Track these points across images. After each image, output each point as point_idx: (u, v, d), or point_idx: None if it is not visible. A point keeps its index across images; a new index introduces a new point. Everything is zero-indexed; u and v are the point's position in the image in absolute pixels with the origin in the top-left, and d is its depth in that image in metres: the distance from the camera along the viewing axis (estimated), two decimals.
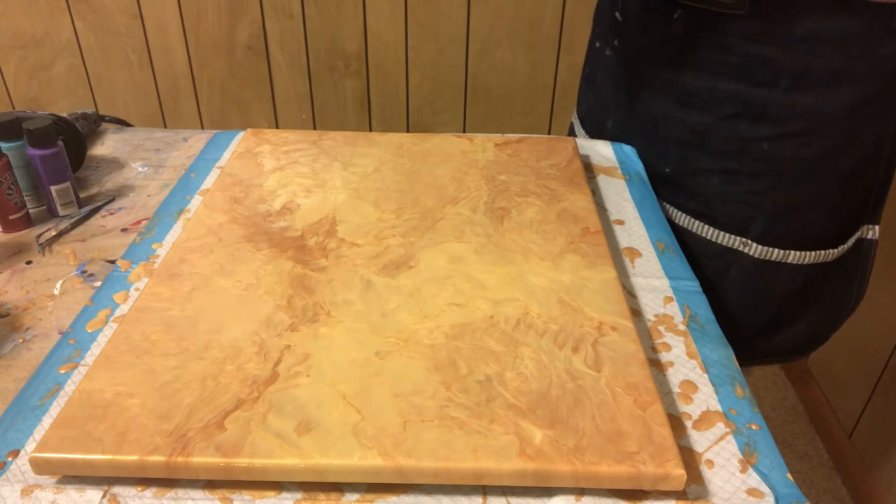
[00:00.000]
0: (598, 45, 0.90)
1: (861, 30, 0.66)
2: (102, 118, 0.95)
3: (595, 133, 0.94)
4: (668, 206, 0.83)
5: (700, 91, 0.75)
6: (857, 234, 0.80)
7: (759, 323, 0.83)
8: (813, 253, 0.78)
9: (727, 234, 0.79)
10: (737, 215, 0.78)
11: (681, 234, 0.81)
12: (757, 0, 0.67)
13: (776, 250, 0.77)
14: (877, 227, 0.81)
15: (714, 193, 0.78)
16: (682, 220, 0.82)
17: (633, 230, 0.73)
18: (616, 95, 0.88)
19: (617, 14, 0.84)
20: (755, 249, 0.78)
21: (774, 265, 0.78)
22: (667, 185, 0.82)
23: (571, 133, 1.01)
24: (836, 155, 0.72)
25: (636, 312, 0.62)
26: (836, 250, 0.78)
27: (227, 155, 0.85)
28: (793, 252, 0.77)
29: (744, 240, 0.78)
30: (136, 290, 0.63)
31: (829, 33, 0.66)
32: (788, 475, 0.48)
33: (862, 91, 0.68)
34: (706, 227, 0.80)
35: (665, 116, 0.80)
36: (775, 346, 0.85)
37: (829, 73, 0.68)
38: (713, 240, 0.80)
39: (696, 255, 0.80)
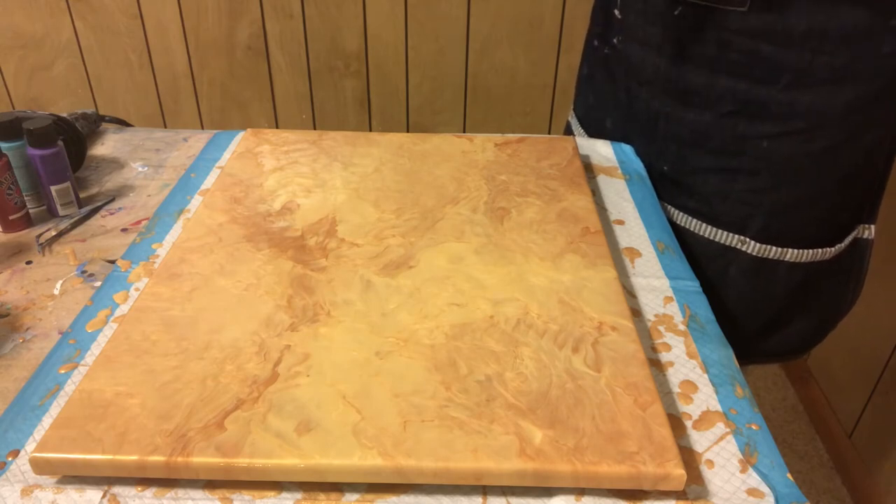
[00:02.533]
0: (596, 43, 0.90)
1: (862, 28, 0.66)
2: (102, 118, 0.95)
3: (594, 132, 0.94)
4: (666, 204, 0.83)
5: (699, 88, 0.75)
6: (854, 233, 0.80)
7: (758, 322, 0.83)
8: (810, 251, 0.78)
9: (726, 233, 0.79)
10: (735, 213, 0.78)
11: (680, 233, 0.81)
12: None
13: (774, 248, 0.77)
14: (873, 227, 0.81)
15: (713, 192, 0.78)
16: (681, 218, 0.82)
17: (633, 230, 0.73)
18: (615, 94, 0.88)
19: (616, 12, 0.84)
20: (753, 247, 0.78)
21: (772, 263, 0.78)
22: (666, 183, 0.83)
23: (568, 133, 1.01)
24: (836, 154, 0.72)
25: (636, 312, 0.62)
26: (833, 249, 0.78)
27: (227, 155, 0.85)
28: (790, 250, 0.77)
29: (742, 238, 0.78)
30: (136, 290, 0.63)
31: (831, 30, 0.66)
32: (788, 475, 0.48)
33: (862, 90, 0.68)
34: (705, 225, 0.80)
35: (664, 114, 0.80)
36: (773, 346, 0.85)
37: (831, 72, 0.68)
38: (712, 238, 0.80)
39: (695, 254, 0.80)
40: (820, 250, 0.78)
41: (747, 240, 0.78)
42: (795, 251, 0.77)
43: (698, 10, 0.72)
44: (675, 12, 0.74)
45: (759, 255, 0.78)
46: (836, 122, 0.70)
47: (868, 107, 0.70)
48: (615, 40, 0.85)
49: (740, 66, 0.71)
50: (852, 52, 0.67)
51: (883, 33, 0.66)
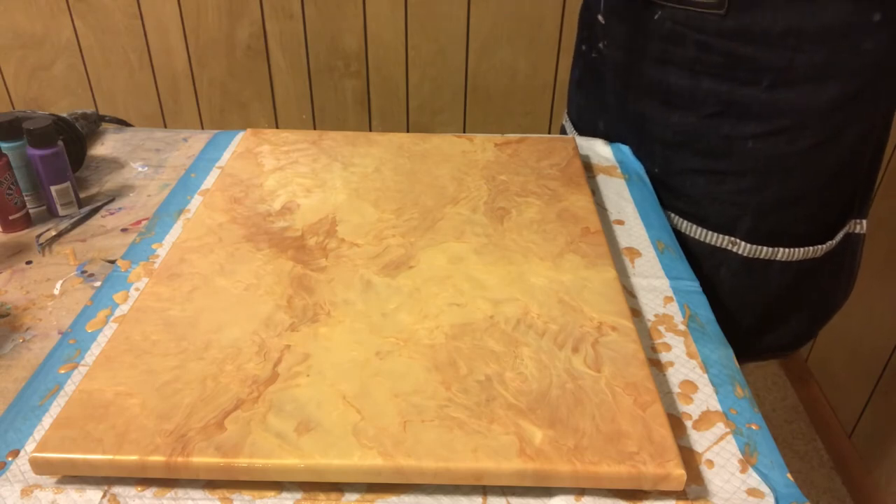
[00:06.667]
0: (583, 48, 0.90)
1: (841, 25, 0.66)
2: (102, 118, 0.95)
3: (586, 135, 0.94)
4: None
5: (683, 91, 0.75)
6: (845, 229, 0.80)
7: (750, 321, 0.83)
8: (801, 250, 0.78)
9: (716, 234, 0.79)
10: (724, 214, 0.78)
11: None
12: None
13: (764, 248, 0.77)
14: (864, 222, 0.81)
15: (701, 193, 0.78)
16: (673, 220, 0.82)
17: (633, 230, 0.73)
18: (604, 97, 0.88)
19: (600, 17, 0.84)
20: (743, 248, 0.78)
21: (763, 263, 0.78)
22: (656, 185, 0.83)
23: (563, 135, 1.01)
24: (822, 151, 0.72)
25: (636, 312, 0.62)
26: (823, 246, 0.78)
27: (227, 155, 0.85)
28: (781, 249, 0.77)
29: (732, 239, 0.78)
30: (136, 290, 0.63)
31: (810, 29, 0.66)
32: (788, 475, 0.48)
33: (846, 86, 0.68)
34: (695, 227, 0.80)
35: (651, 117, 0.80)
36: (767, 344, 0.86)
37: (812, 70, 0.68)
38: (702, 240, 0.80)
39: (687, 254, 0.80)
40: (811, 248, 0.78)
41: (737, 241, 0.78)
42: (786, 250, 0.77)
43: (677, 14, 0.72)
44: (655, 17, 0.74)
45: (750, 256, 0.78)
46: (820, 119, 0.70)
47: (851, 103, 0.70)
48: (601, 45, 0.85)
49: (721, 67, 0.71)
50: (833, 49, 0.67)
51: (864, 29, 0.66)
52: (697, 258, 0.80)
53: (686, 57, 0.73)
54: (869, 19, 0.65)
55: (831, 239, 0.79)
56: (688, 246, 0.81)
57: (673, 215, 0.82)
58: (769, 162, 0.73)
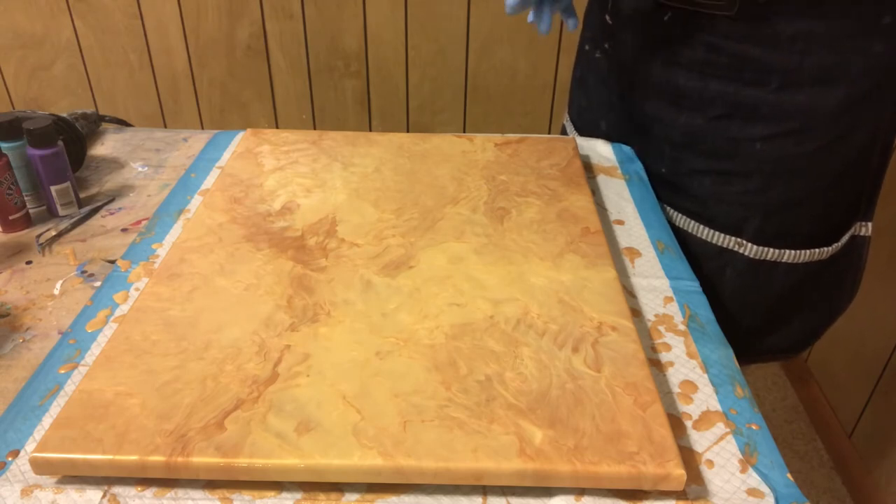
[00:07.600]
0: (587, 48, 0.90)
1: (850, 28, 0.66)
2: (102, 118, 0.95)
3: (588, 135, 0.94)
4: (665, 205, 0.84)
5: (691, 92, 0.75)
6: (851, 231, 0.80)
7: (754, 322, 0.83)
8: (807, 252, 0.78)
9: (722, 235, 0.79)
10: (731, 215, 0.78)
11: (678, 234, 0.81)
12: (746, 0, 0.67)
13: (771, 250, 0.77)
14: (870, 224, 0.81)
15: (708, 194, 0.78)
16: (679, 220, 0.82)
17: (633, 230, 0.73)
18: (608, 97, 0.88)
19: (607, 17, 0.84)
20: (750, 249, 0.78)
21: (769, 265, 0.78)
22: (662, 185, 0.83)
23: (563, 135, 1.01)
24: (829, 153, 0.72)
25: (636, 312, 0.62)
26: (829, 248, 0.78)
27: (227, 155, 0.85)
28: (787, 251, 0.77)
29: (738, 240, 0.78)
30: (136, 290, 0.63)
31: (820, 33, 0.66)
32: (788, 475, 0.48)
33: (854, 89, 0.68)
34: (701, 227, 0.80)
35: (658, 117, 0.80)
36: (770, 345, 0.85)
37: (821, 72, 0.68)
38: (708, 240, 0.80)
39: (692, 254, 0.80)
40: (817, 250, 0.78)
41: (744, 242, 0.78)
42: (792, 252, 0.77)
43: (687, 15, 0.72)
44: (665, 17, 0.74)
45: (756, 258, 0.78)
46: (827, 121, 0.70)
47: (859, 105, 0.70)
48: (606, 45, 0.85)
49: (730, 69, 0.71)
50: (842, 52, 0.67)
51: (873, 33, 0.66)
52: (703, 258, 0.80)
53: (695, 59, 0.73)
54: (878, 22, 0.65)
55: (837, 241, 0.79)
56: (694, 246, 0.81)
57: (680, 215, 0.82)
58: (775, 163, 0.73)
